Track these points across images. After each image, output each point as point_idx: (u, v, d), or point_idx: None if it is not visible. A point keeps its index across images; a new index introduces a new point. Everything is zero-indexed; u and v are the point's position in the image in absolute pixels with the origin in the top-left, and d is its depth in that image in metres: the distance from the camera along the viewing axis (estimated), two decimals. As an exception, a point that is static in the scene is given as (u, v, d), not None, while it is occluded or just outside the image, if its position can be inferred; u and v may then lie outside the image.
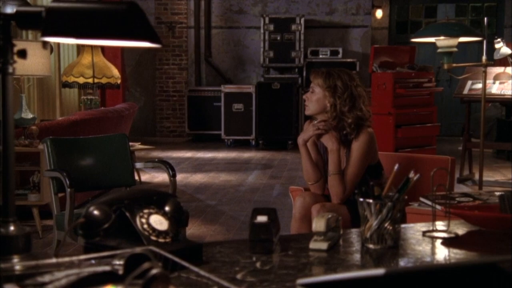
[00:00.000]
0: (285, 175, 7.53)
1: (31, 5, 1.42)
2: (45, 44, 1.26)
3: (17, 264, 1.22)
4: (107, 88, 7.78)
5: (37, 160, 4.96)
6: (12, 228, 1.33)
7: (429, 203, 2.82)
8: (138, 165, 4.07)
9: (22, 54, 1.32)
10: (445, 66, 3.52)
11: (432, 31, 3.69)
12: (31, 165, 4.97)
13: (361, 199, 1.57)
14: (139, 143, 7.82)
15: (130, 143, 7.55)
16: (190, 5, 11.30)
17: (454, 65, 3.67)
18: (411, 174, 1.58)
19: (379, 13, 11.42)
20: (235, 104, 10.28)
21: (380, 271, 1.03)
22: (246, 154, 9.41)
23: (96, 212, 1.39)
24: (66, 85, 7.37)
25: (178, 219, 1.49)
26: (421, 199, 2.86)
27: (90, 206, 1.40)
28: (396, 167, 1.62)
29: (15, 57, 1.32)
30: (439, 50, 3.55)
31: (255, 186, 6.93)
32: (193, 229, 5.03)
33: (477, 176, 6.69)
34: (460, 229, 1.76)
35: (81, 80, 7.25)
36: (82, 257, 1.16)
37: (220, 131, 10.35)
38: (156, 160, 4.03)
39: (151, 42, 1.28)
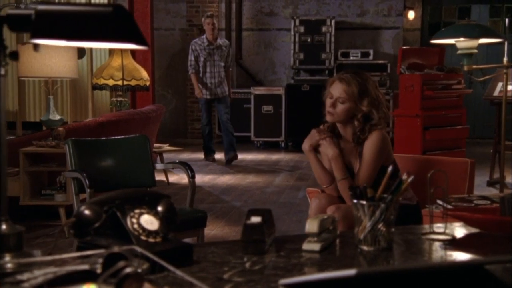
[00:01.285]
0: (312, 177, 7.51)
1: (45, 3, 1.46)
2: (36, 46, 1.28)
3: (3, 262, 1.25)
4: (136, 90, 7.89)
5: (63, 161, 5.04)
6: (4, 227, 1.36)
7: (446, 205, 2.80)
8: (159, 166, 4.11)
9: (14, 56, 1.35)
10: (465, 68, 3.47)
11: (452, 32, 3.65)
12: (57, 166, 5.06)
13: (355, 201, 1.57)
14: (167, 144, 7.90)
15: (158, 145, 7.68)
16: (221, 8, 11.36)
17: (474, 66, 3.62)
18: (405, 176, 1.57)
19: (411, 15, 11.31)
20: (265, 106, 10.30)
21: (351, 271, 1.03)
22: (275, 156, 9.41)
23: (87, 212, 1.42)
24: (96, 87, 7.48)
25: (170, 220, 1.51)
26: (438, 201, 2.83)
27: (82, 205, 1.43)
28: (389, 168, 1.61)
29: (7, 59, 1.35)
30: (459, 52, 3.51)
31: (281, 188, 6.93)
32: (216, 230, 5.06)
33: (508, 179, 6.58)
34: (460, 232, 1.75)
35: (110, 82, 7.35)
36: (65, 255, 1.18)
37: (250, 133, 10.38)
38: (177, 161, 4.06)
39: (136, 44, 1.30)
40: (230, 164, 8.44)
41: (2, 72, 1.34)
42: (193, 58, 8.41)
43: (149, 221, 1.44)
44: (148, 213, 1.46)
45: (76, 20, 1.27)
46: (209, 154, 8.90)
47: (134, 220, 1.43)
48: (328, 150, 3.05)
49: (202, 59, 8.39)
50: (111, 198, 1.46)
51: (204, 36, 8.48)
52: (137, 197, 1.50)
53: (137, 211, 1.45)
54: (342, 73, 3.13)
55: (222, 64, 8.46)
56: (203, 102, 8.58)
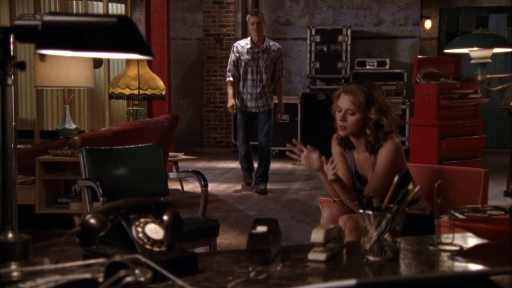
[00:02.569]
0: (328, 187, 7.50)
1: (60, 14, 1.47)
2: (42, 57, 1.29)
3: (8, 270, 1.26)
4: (152, 99, 7.93)
5: (78, 169, 5.06)
6: (10, 235, 1.37)
7: (460, 215, 2.78)
8: (172, 175, 4.12)
9: (21, 66, 1.37)
10: (479, 78, 3.46)
11: (466, 42, 3.63)
12: (73, 175, 5.09)
13: (361, 211, 1.56)
14: (182, 153, 7.92)
15: (174, 154, 7.71)
16: (237, 17, 11.40)
17: (488, 76, 3.60)
18: (410, 186, 1.56)
19: (428, 24, 11.27)
20: (281, 115, 10.28)
21: (351, 282, 1.03)
22: (290, 165, 9.40)
23: (92, 221, 1.42)
24: (112, 96, 7.53)
25: (175, 229, 1.51)
26: (452, 211, 2.81)
27: (87, 214, 1.44)
28: (395, 178, 1.60)
29: (15, 69, 1.37)
30: (472, 61, 3.49)
31: (296, 197, 6.92)
32: (230, 239, 5.06)
33: (526, 190, 6.51)
34: (470, 242, 1.73)
35: (127, 91, 7.40)
36: (68, 264, 1.19)
37: (266, 142, 10.37)
38: (190, 170, 4.08)
39: (141, 54, 1.32)
40: (259, 193, 7.06)
41: (10, 82, 1.36)
42: (232, 64, 7.08)
43: (154, 230, 1.45)
44: (153, 222, 1.47)
45: (81, 31, 1.29)
46: (248, 173, 7.41)
47: (139, 229, 1.44)
48: (329, 173, 3.00)
49: (243, 63, 7.02)
50: (117, 207, 1.47)
51: (250, 37, 7.10)
52: (143, 206, 1.50)
53: (142, 220, 1.46)
54: (347, 85, 3.12)
55: (269, 71, 7.03)
56: (240, 116, 7.14)
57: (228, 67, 7.12)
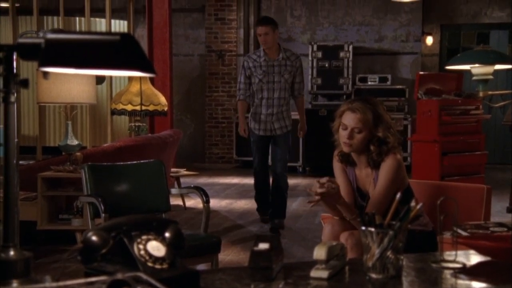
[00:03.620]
0: (330, 203, 7.48)
1: (64, 31, 1.48)
2: (45, 74, 1.30)
3: None
4: (154, 115, 7.94)
5: (80, 185, 5.06)
6: (12, 253, 1.37)
7: (463, 232, 2.77)
8: (174, 191, 4.11)
9: (25, 84, 1.38)
10: (481, 94, 3.46)
11: (467, 58, 3.64)
12: (74, 191, 5.09)
13: (363, 228, 1.56)
14: (185, 169, 7.92)
15: (176, 169, 7.70)
16: (239, 34, 11.45)
17: (490, 92, 3.61)
18: (413, 203, 1.56)
19: (429, 40, 11.31)
20: (283, 131, 10.27)
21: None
22: (292, 181, 9.38)
23: (94, 238, 1.42)
24: (114, 112, 7.54)
25: (177, 246, 1.51)
26: (455, 228, 2.81)
27: (89, 231, 1.44)
28: (398, 195, 1.60)
29: (18, 87, 1.37)
30: (474, 78, 3.50)
31: (298, 213, 6.90)
32: (232, 256, 5.04)
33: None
34: (473, 260, 1.73)
35: (129, 107, 7.40)
36: (69, 282, 1.19)
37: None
38: (192, 186, 4.07)
39: (144, 71, 1.32)
40: (274, 232, 5.88)
41: (12, 99, 1.36)
42: (242, 80, 6.04)
43: (156, 248, 1.45)
44: (155, 239, 1.47)
45: (84, 49, 1.29)
46: (264, 209, 6.29)
47: (141, 246, 1.43)
48: (334, 197, 2.97)
49: (257, 80, 5.95)
50: (119, 224, 1.46)
51: (262, 48, 6.02)
52: (145, 223, 1.50)
53: (144, 237, 1.45)
54: (350, 102, 3.11)
55: (287, 87, 5.96)
56: (255, 139, 6.09)
57: (238, 85, 6.09)
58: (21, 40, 1.33)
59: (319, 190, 2.87)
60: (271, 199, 6.12)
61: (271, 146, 6.09)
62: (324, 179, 2.89)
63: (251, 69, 5.95)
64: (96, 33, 1.41)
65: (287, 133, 6.05)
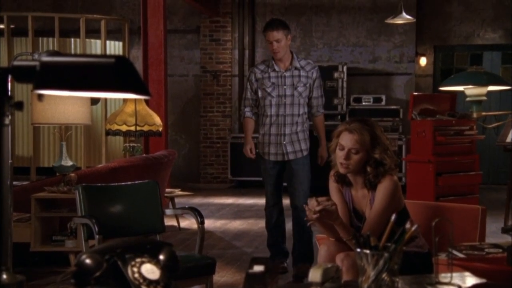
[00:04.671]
0: (325, 223, 7.46)
1: (59, 54, 1.48)
2: (39, 97, 1.30)
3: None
4: (149, 136, 7.94)
5: (75, 206, 5.04)
6: (4, 276, 1.36)
7: (458, 254, 2.76)
8: (168, 212, 4.10)
9: (19, 106, 1.38)
10: (474, 115, 3.49)
11: (461, 80, 3.67)
12: (68, 212, 5.07)
13: (358, 250, 1.56)
14: (179, 189, 7.90)
15: (170, 190, 7.69)
16: (234, 54, 11.49)
17: (484, 113, 3.63)
18: (408, 225, 1.56)
19: (423, 61, 11.38)
20: (277, 151, 10.26)
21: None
22: (288, 201, 9.36)
23: (88, 261, 1.42)
24: (109, 133, 7.53)
25: (171, 268, 1.50)
26: (449, 249, 2.80)
27: (83, 254, 1.43)
28: (393, 217, 1.60)
29: (12, 109, 1.37)
30: (467, 99, 3.53)
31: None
32: (226, 277, 5.02)
33: (523, 226, 6.51)
34: (468, 282, 1.72)
35: (124, 128, 7.40)
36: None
37: (263, 178, 10.36)
38: (186, 206, 4.06)
39: (139, 94, 1.32)
40: (298, 281, 4.88)
41: (7, 122, 1.36)
42: (248, 95, 5.06)
43: (150, 270, 1.44)
44: (149, 262, 1.46)
45: (79, 71, 1.29)
46: (277, 256, 5.18)
47: (135, 269, 1.43)
48: (332, 217, 2.96)
49: (265, 93, 4.97)
50: (113, 247, 1.46)
51: (272, 58, 5.04)
52: (139, 246, 1.49)
53: (138, 260, 1.45)
54: (348, 123, 3.13)
55: (301, 102, 4.95)
56: (265, 166, 5.10)
57: (243, 102, 5.14)
58: (16, 63, 1.33)
59: (318, 208, 2.86)
60: (293, 242, 5.14)
61: (287, 175, 5.08)
62: (322, 198, 2.89)
63: (259, 81, 4.97)
64: (91, 55, 1.42)
65: (304, 158, 5.05)
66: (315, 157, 5.21)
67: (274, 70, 4.95)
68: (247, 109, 5.11)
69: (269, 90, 4.96)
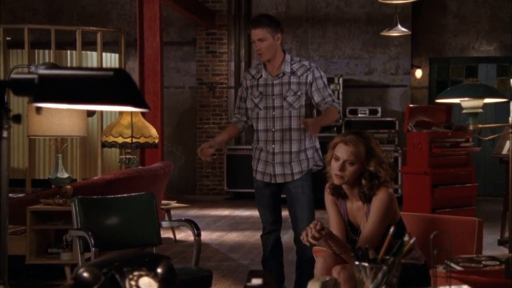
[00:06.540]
0: (321, 235, 7.45)
1: (57, 67, 1.48)
2: (38, 110, 1.30)
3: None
4: (145, 148, 7.93)
5: (70, 219, 5.03)
6: (1, 289, 1.35)
7: (455, 266, 2.76)
8: (165, 224, 4.10)
9: (17, 119, 1.38)
10: (471, 127, 3.50)
11: (457, 92, 3.68)
12: (64, 224, 5.05)
13: (357, 263, 1.55)
14: (175, 201, 7.89)
15: (166, 202, 7.67)
16: (230, 66, 11.51)
17: (480, 126, 3.65)
18: (406, 237, 1.55)
19: (418, 73, 11.43)
20: (273, 163, 10.25)
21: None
22: (284, 213, 9.36)
23: (85, 275, 1.41)
24: (105, 145, 7.52)
25: (169, 281, 1.50)
26: (446, 262, 2.80)
27: (80, 268, 1.42)
28: (391, 229, 1.60)
29: (11, 122, 1.37)
30: (464, 111, 3.54)
31: (290, 246, 6.83)
32: (222, 290, 5.00)
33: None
34: (466, 295, 1.72)
35: (120, 140, 7.39)
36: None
37: (259, 190, 10.35)
38: (183, 219, 4.05)
39: (137, 107, 1.32)
40: None
41: (5, 135, 1.36)
42: (238, 104, 4.37)
43: (148, 284, 1.43)
44: (147, 275, 1.45)
45: (77, 84, 1.29)
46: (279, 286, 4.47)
47: (133, 283, 1.42)
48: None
49: (252, 104, 4.24)
50: (110, 260, 1.45)
51: (264, 62, 4.25)
52: (136, 259, 1.49)
53: (136, 273, 1.44)
54: (344, 135, 3.15)
55: (292, 114, 4.10)
56: (257, 185, 4.42)
57: (234, 109, 4.51)
58: (14, 76, 1.33)
59: (317, 235, 2.86)
60: (295, 274, 4.47)
61: (286, 199, 4.36)
62: (318, 226, 2.89)
63: (248, 90, 4.26)
64: (89, 68, 1.42)
65: (302, 179, 4.22)
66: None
67: (262, 77, 4.20)
68: (235, 117, 4.42)
69: (256, 100, 4.21)
